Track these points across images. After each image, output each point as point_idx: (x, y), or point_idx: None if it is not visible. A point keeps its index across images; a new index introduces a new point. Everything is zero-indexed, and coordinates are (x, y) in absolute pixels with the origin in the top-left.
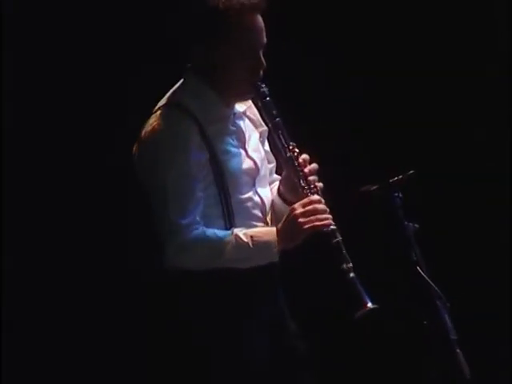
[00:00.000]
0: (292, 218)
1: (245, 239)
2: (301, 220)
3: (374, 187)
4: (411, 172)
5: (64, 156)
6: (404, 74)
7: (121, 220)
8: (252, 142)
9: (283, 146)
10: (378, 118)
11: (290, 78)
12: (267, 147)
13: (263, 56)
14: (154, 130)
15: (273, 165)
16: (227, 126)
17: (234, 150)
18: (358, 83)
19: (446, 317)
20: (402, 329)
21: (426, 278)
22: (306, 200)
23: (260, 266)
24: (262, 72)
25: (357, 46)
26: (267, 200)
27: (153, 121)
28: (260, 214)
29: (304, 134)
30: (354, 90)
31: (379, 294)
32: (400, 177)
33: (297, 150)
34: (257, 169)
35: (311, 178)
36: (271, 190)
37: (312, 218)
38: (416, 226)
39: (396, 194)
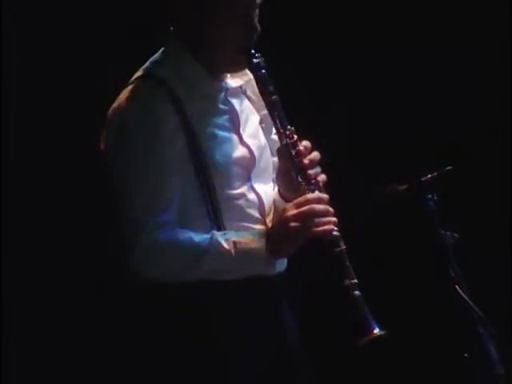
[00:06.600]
0: (282, 222)
1: (226, 246)
2: (292, 224)
3: (403, 187)
4: (448, 168)
5: (63, 156)
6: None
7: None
8: (249, 126)
9: (279, 131)
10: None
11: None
12: (275, 136)
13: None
14: (120, 107)
15: None
16: (215, 105)
17: (222, 134)
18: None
19: (491, 348)
20: (435, 363)
21: (467, 299)
22: (301, 199)
23: (254, 274)
24: (255, 37)
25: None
26: (267, 198)
27: (121, 96)
28: (257, 215)
29: (308, 118)
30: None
31: (409, 319)
32: (435, 174)
33: (295, 137)
34: (252, 158)
35: (312, 171)
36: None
37: (308, 221)
38: (455, 235)
39: (430, 196)
